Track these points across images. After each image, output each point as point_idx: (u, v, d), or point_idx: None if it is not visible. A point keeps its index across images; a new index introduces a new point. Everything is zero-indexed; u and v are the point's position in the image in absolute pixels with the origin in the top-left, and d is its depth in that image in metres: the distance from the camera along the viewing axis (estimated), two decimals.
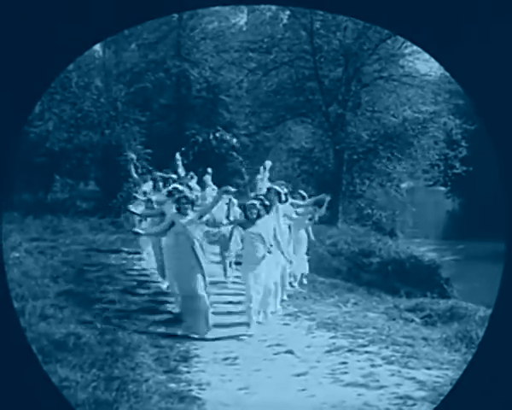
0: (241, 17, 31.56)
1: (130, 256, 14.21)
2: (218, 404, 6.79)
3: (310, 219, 12.00)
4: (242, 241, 10.12)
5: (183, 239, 8.89)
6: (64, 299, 10.24)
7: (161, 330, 9.31)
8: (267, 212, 9.31)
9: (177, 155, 14.73)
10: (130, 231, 10.08)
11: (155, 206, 11.22)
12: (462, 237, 29.55)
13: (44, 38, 6.23)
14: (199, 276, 8.88)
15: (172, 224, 9.01)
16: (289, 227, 10.78)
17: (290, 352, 8.48)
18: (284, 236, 10.07)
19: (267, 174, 12.14)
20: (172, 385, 7.22)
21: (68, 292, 10.75)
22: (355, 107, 24.54)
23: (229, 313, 10.09)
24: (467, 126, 24.50)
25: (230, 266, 12.18)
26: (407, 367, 7.70)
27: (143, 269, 13.14)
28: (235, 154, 21.92)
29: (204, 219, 9.25)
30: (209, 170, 14.23)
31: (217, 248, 12.58)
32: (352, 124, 24.28)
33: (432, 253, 25.87)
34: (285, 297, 10.93)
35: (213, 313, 9.32)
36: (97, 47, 30.70)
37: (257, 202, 9.17)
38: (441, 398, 6.54)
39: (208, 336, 9.00)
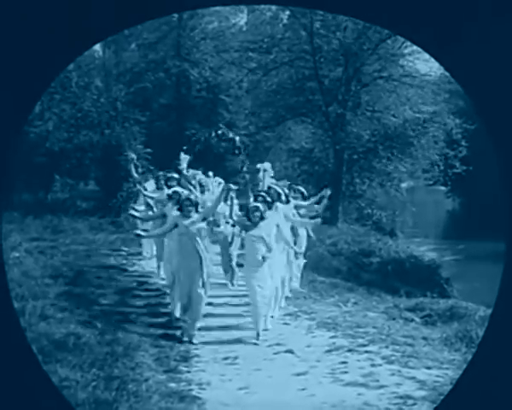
0: (241, 17, 31.57)
1: (131, 256, 14.20)
2: (218, 404, 6.79)
3: (312, 218, 11.69)
4: (243, 244, 10.01)
5: (186, 241, 8.78)
6: (64, 299, 10.23)
7: (161, 331, 9.31)
8: (269, 208, 9.24)
9: (182, 155, 14.75)
10: (133, 234, 9.99)
11: (155, 207, 11.16)
12: (462, 236, 29.52)
13: (44, 38, 6.23)
14: (200, 278, 8.77)
15: (175, 225, 8.92)
16: (292, 228, 10.69)
17: (290, 351, 8.48)
18: (287, 237, 9.99)
19: (270, 173, 12.04)
20: (172, 385, 7.23)
21: (68, 292, 10.74)
22: (355, 107, 24.52)
23: (233, 315, 9.98)
24: (467, 126, 24.48)
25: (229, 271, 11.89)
26: (407, 367, 7.71)
27: (143, 269, 13.14)
28: (237, 151, 21.85)
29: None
30: (210, 174, 14.20)
31: (218, 248, 12.51)
32: (352, 124, 24.25)
33: (432, 252, 25.86)
34: (282, 304, 10.62)
35: (216, 315, 9.29)
36: (97, 47, 30.71)
37: (260, 205, 9.02)
38: (441, 397, 6.55)
39: (211, 339, 8.89)
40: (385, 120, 24.51)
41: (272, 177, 12.09)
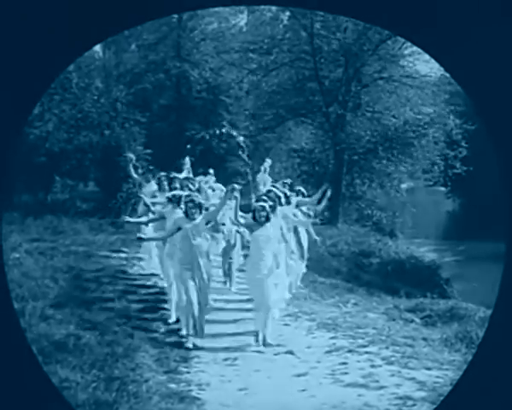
0: (241, 18, 31.58)
1: (131, 257, 14.19)
2: (217, 404, 6.80)
3: (310, 216, 11.64)
4: (244, 247, 9.91)
5: (189, 245, 8.64)
6: (64, 300, 10.23)
7: (161, 331, 9.31)
8: (272, 210, 9.16)
9: (187, 159, 14.81)
10: (136, 237, 9.91)
11: (152, 208, 11.10)
12: (462, 237, 29.54)
13: (44, 39, 6.23)
14: (200, 282, 8.65)
15: (178, 228, 8.78)
16: (294, 229, 10.66)
17: (290, 352, 8.47)
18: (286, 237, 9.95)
19: (268, 171, 12.03)
20: (172, 386, 7.23)
21: (68, 293, 10.75)
22: (355, 107, 24.53)
23: (235, 320, 9.89)
24: (467, 127, 24.47)
25: (230, 275, 11.77)
26: (407, 368, 7.71)
27: (143, 270, 13.13)
28: (240, 151, 21.84)
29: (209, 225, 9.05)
30: (211, 171, 14.21)
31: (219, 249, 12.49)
32: (353, 124, 24.26)
33: (432, 253, 25.89)
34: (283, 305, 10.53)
35: (217, 321, 9.24)
36: (97, 48, 30.65)
37: (266, 205, 8.88)
38: (441, 398, 6.54)
39: (213, 344, 8.78)
40: (385, 121, 24.52)
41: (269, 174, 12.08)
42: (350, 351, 8.43)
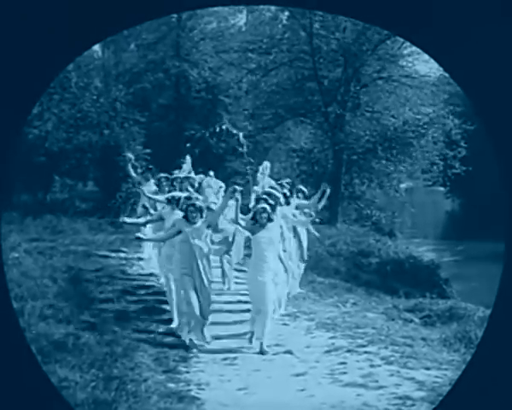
0: (240, 18, 31.55)
1: (130, 256, 14.20)
2: (217, 404, 6.80)
3: (312, 216, 11.56)
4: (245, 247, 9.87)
5: (188, 248, 8.59)
6: (63, 299, 10.23)
7: (160, 331, 9.31)
8: (273, 210, 9.10)
9: (188, 157, 14.82)
10: (135, 238, 9.90)
11: (152, 209, 11.09)
12: (462, 237, 29.55)
13: (44, 38, 6.23)
14: (200, 286, 8.59)
15: (179, 231, 8.71)
16: (294, 229, 10.62)
17: (289, 352, 8.48)
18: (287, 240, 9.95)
19: (267, 172, 12.03)
20: (171, 385, 7.23)
21: (67, 292, 10.74)
22: (354, 107, 24.53)
23: (235, 322, 9.82)
24: (466, 127, 24.46)
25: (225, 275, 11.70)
26: (406, 367, 7.72)
27: (143, 269, 13.13)
28: (240, 149, 21.82)
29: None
30: (211, 173, 14.20)
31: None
32: (352, 124, 24.25)
33: (431, 253, 25.89)
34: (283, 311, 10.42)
35: (216, 323, 9.21)
36: (96, 47, 30.63)
37: (267, 206, 8.80)
38: (440, 398, 6.55)
39: (213, 347, 8.72)
40: (384, 121, 24.51)
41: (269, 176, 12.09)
42: (349, 351, 8.43)
